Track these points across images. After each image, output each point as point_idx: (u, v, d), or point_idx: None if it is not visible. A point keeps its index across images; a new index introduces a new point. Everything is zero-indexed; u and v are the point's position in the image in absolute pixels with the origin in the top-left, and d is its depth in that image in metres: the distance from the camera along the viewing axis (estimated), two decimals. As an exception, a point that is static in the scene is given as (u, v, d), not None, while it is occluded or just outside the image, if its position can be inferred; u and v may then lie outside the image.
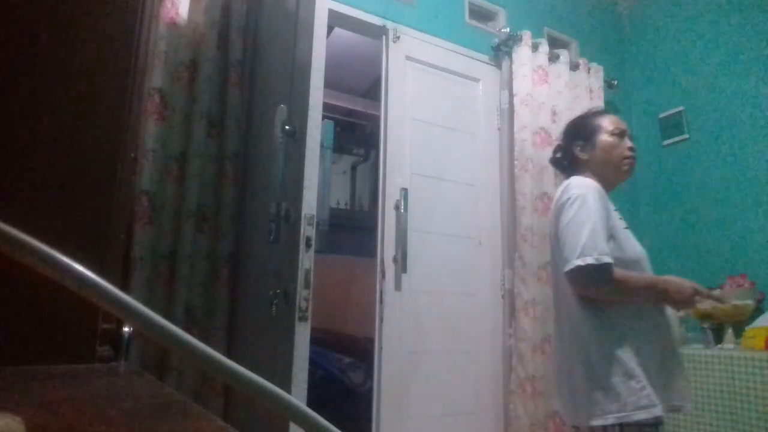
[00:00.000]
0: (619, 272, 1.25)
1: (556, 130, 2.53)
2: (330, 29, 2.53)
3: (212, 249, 1.85)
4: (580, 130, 1.50)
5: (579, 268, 1.24)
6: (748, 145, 2.57)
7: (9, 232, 0.19)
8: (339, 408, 2.47)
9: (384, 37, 2.30)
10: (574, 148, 1.49)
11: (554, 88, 2.59)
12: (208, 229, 1.85)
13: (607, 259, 1.23)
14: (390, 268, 2.07)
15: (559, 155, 1.57)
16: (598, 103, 2.77)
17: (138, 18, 0.95)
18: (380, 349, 2.01)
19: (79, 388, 0.60)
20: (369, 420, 1.98)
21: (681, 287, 1.29)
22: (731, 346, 2.16)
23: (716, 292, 1.43)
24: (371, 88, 3.69)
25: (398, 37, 2.30)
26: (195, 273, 1.78)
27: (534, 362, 2.19)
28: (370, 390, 2.10)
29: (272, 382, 0.23)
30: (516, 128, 2.46)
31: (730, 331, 2.22)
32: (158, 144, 1.76)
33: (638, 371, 1.22)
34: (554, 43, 2.77)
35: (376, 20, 2.27)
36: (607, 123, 1.46)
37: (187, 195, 1.79)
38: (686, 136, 2.85)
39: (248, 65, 2.05)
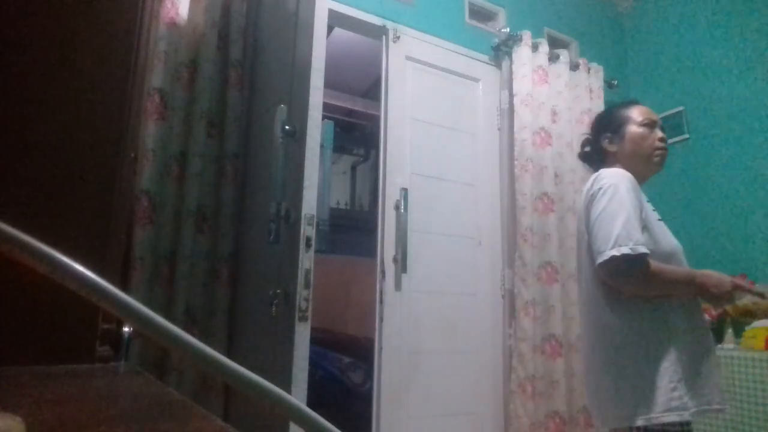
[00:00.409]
0: (655, 264, 1.20)
1: (556, 130, 2.53)
2: (330, 29, 2.53)
3: (212, 249, 1.85)
4: (608, 122, 1.44)
5: (613, 258, 1.17)
6: (749, 145, 2.57)
7: (9, 232, 0.19)
8: (339, 408, 2.47)
9: (384, 37, 2.30)
10: (602, 141, 1.43)
11: (554, 88, 2.59)
12: (208, 229, 1.85)
13: (643, 249, 1.17)
14: (390, 268, 2.07)
15: (587, 149, 1.51)
16: (598, 103, 2.77)
17: (138, 18, 0.95)
18: (380, 349, 2.01)
19: (79, 388, 0.60)
20: (369, 420, 1.98)
21: (719, 281, 1.22)
22: (731, 346, 2.16)
23: (757, 288, 1.32)
24: (371, 88, 3.70)
25: (398, 37, 2.30)
26: (195, 273, 1.78)
27: (534, 362, 2.19)
28: (370, 390, 2.10)
29: (272, 382, 0.23)
30: (516, 128, 2.46)
31: (730, 331, 2.22)
32: (158, 144, 1.76)
33: (671, 371, 1.16)
34: (554, 43, 2.77)
35: (376, 20, 2.27)
36: (636, 113, 1.40)
37: (187, 195, 1.79)
38: (686, 136, 2.85)
39: (248, 65, 2.05)
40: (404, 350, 2.05)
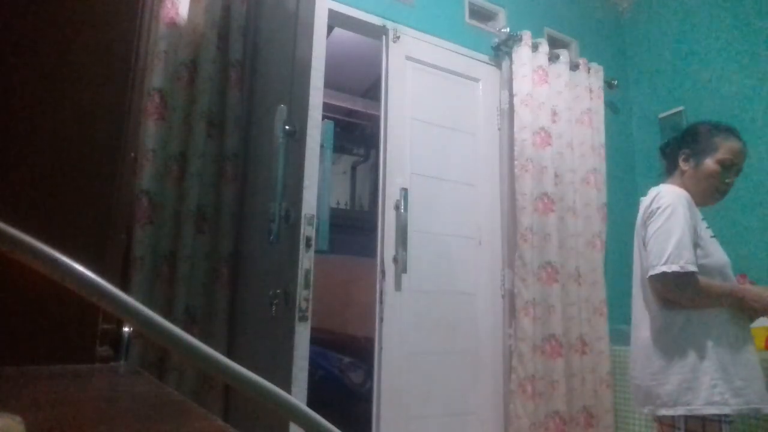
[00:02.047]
0: (702, 280, 1.34)
1: (556, 130, 2.53)
2: (330, 29, 2.53)
3: (212, 249, 1.85)
4: (696, 140, 1.54)
5: (664, 274, 1.33)
6: (748, 145, 2.56)
7: (9, 232, 0.19)
8: (339, 408, 2.47)
9: (384, 37, 2.30)
10: (680, 154, 1.54)
11: (554, 88, 2.59)
12: (208, 229, 1.85)
13: (692, 268, 1.32)
14: (390, 268, 2.07)
15: (668, 150, 1.62)
16: (598, 103, 2.77)
17: (138, 18, 0.95)
18: (380, 349, 2.01)
19: (79, 388, 0.60)
20: (369, 420, 1.98)
21: (759, 296, 1.37)
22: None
23: None
24: (371, 88, 3.69)
25: (398, 37, 2.31)
26: (195, 273, 1.78)
27: (534, 362, 2.19)
28: (370, 390, 2.10)
29: (272, 382, 0.23)
30: (516, 128, 2.46)
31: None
32: (158, 144, 1.76)
33: (712, 370, 1.30)
34: (554, 43, 2.77)
35: (376, 20, 2.27)
36: (723, 151, 1.49)
37: (187, 195, 1.79)
38: (686, 136, 2.85)
39: (248, 65, 2.05)
40: (404, 350, 2.05)
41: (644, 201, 1.51)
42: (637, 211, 1.58)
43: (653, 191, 1.49)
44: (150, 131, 1.74)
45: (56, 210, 0.83)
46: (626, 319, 2.67)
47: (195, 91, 1.87)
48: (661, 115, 2.96)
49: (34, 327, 0.76)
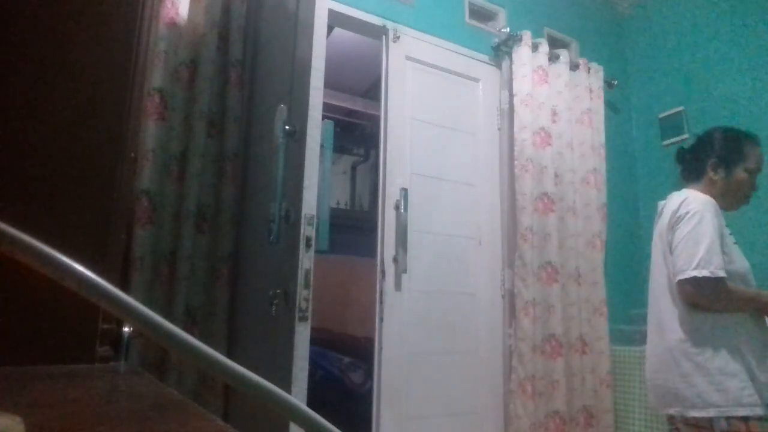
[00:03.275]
0: (730, 285, 1.37)
1: (556, 130, 2.53)
2: (330, 29, 2.53)
3: (212, 249, 1.85)
4: (726, 149, 1.54)
5: (695, 278, 1.36)
6: (748, 145, 2.56)
7: (9, 232, 0.19)
8: (339, 408, 2.47)
9: (384, 37, 2.30)
10: (708, 162, 1.54)
11: (554, 88, 2.59)
12: (208, 229, 1.85)
13: (722, 273, 1.36)
14: (390, 268, 2.07)
15: (689, 156, 1.62)
16: (598, 103, 2.77)
17: (138, 18, 0.95)
18: (380, 349, 2.01)
19: (79, 388, 0.60)
20: (369, 420, 1.98)
21: None
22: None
23: None
24: (371, 88, 3.69)
25: (398, 37, 2.31)
26: (195, 273, 1.78)
27: (534, 362, 2.19)
28: (370, 390, 2.10)
29: (272, 382, 0.23)
30: (516, 128, 2.46)
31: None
32: (158, 144, 1.76)
33: (741, 372, 1.33)
34: (554, 43, 2.77)
35: (376, 20, 2.27)
36: (752, 159, 1.52)
37: (187, 195, 1.79)
38: (686, 136, 2.84)
39: (248, 65, 2.05)
40: (404, 350, 2.05)
41: (668, 205, 1.52)
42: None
43: (678, 196, 1.50)
44: (150, 131, 1.74)
45: (56, 210, 0.83)
46: (626, 319, 2.67)
47: (195, 91, 1.87)
48: (661, 115, 2.96)
49: (34, 327, 0.76)
